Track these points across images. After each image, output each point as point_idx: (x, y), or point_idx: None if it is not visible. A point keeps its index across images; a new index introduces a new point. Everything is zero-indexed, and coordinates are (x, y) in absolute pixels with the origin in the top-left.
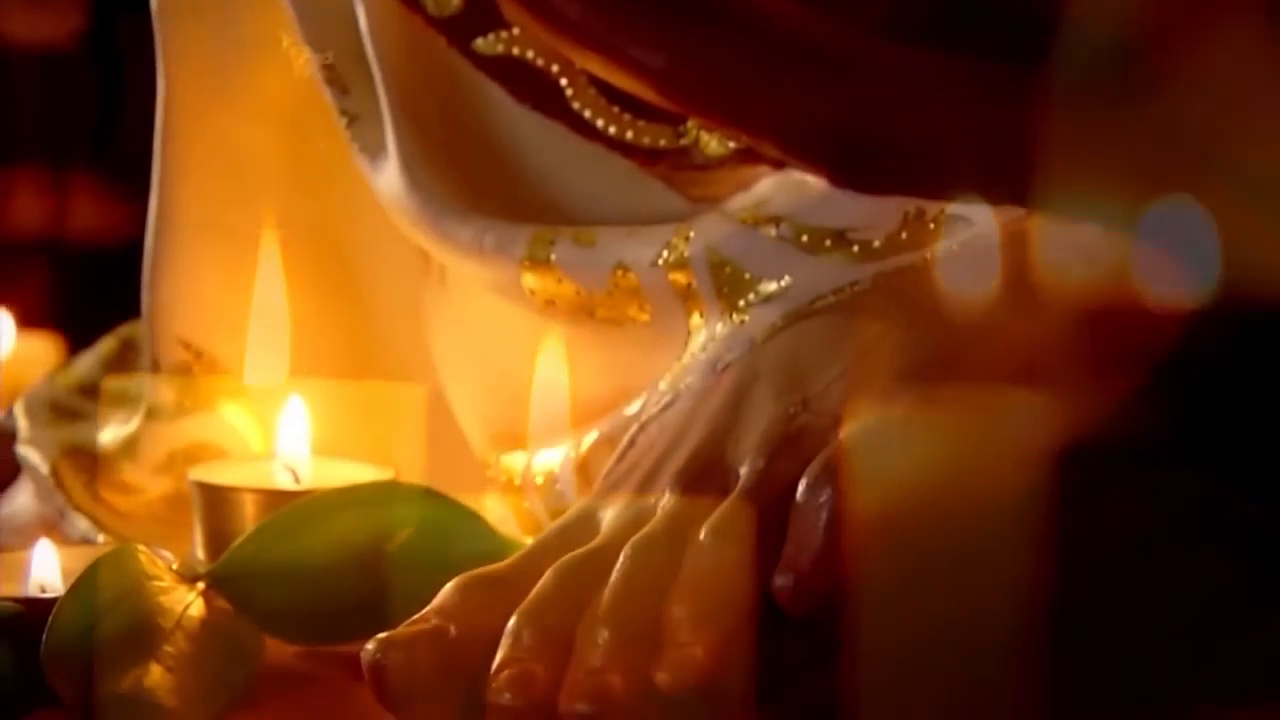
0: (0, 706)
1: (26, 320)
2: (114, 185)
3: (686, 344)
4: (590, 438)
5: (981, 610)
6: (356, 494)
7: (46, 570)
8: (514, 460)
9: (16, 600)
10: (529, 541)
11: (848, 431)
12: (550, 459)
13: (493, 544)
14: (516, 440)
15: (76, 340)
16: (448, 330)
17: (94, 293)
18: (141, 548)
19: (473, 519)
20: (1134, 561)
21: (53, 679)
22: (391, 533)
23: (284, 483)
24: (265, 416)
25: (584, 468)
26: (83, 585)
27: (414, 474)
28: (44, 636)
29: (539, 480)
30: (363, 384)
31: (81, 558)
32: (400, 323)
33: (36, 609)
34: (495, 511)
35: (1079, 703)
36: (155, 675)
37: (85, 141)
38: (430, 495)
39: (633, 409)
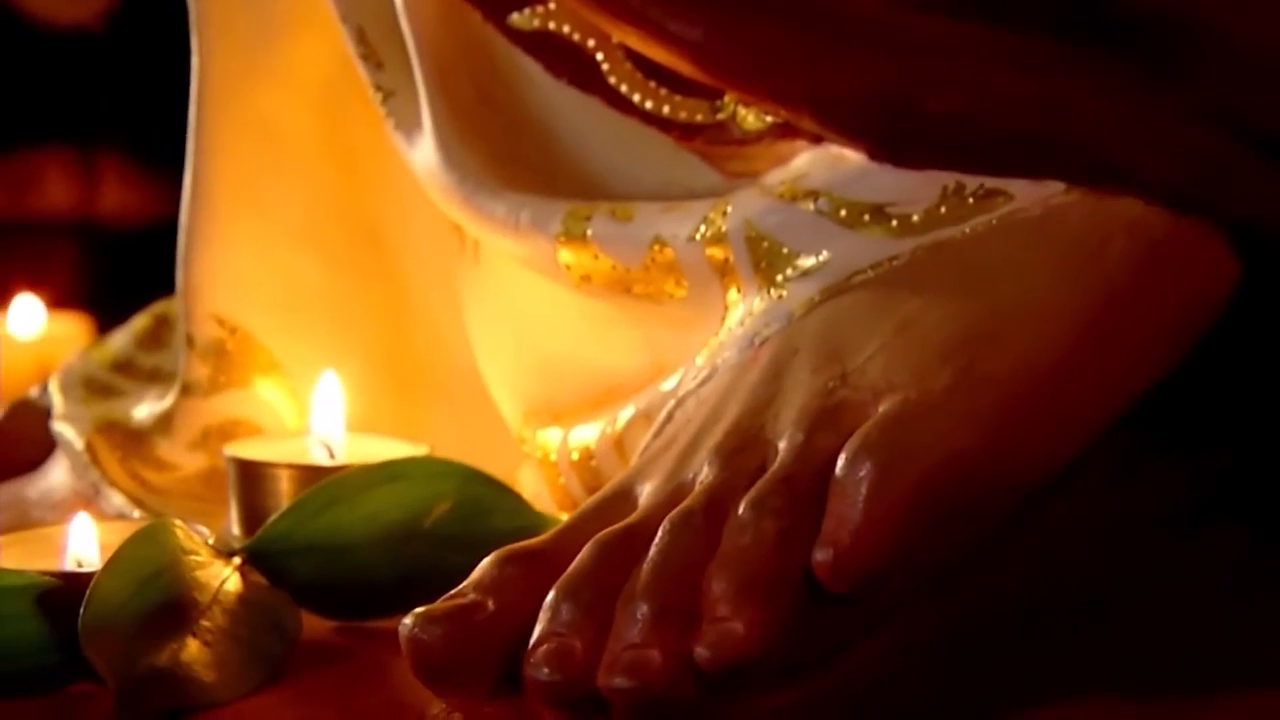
0: (38, 680)
1: (57, 301)
2: (143, 166)
3: (723, 319)
4: (626, 413)
5: (1019, 586)
6: (392, 469)
7: (84, 545)
8: (549, 436)
9: (54, 575)
10: (565, 518)
11: (887, 406)
12: (586, 435)
13: (528, 520)
14: (552, 416)
15: (106, 320)
16: (482, 306)
17: (123, 273)
18: (178, 522)
19: (508, 495)
20: (1168, 539)
21: (90, 653)
22: (427, 508)
23: (319, 458)
24: (300, 392)
25: (620, 443)
26: (120, 560)
27: (448, 450)
28: (81, 611)
29: (575, 456)
30: (397, 360)
31: (118, 533)
32: (434, 298)
33: (74, 583)
34: (530, 487)
35: (1108, 676)
36: (192, 649)
37: (114, 122)
38: (466, 471)
39: (669, 384)
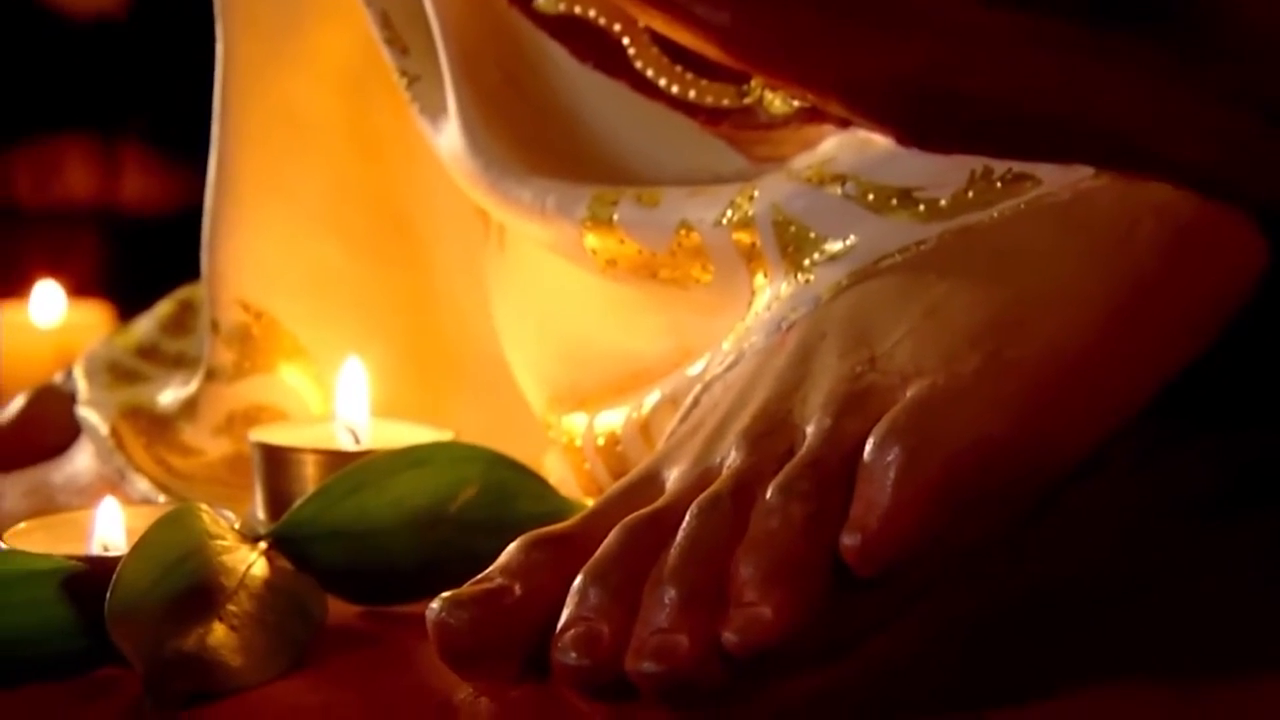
0: (64, 664)
1: (77, 289)
2: (164, 154)
3: (750, 304)
4: (652, 398)
5: (1044, 571)
6: (418, 454)
7: (110, 529)
8: (575, 421)
9: (80, 559)
10: (590, 503)
11: (915, 391)
12: (612, 420)
13: (554, 505)
14: (577, 401)
15: (126, 308)
16: (507, 292)
17: (144, 261)
18: (204, 507)
19: (534, 480)
20: (1192, 526)
21: (117, 637)
22: (453, 493)
23: (344, 444)
24: (324, 378)
25: (646, 429)
26: (146, 544)
27: (473, 436)
28: (108, 595)
29: (600, 441)
30: (421, 345)
31: (144, 517)
32: (459, 284)
33: (100, 567)
34: (555, 473)
35: (1133, 662)
36: (219, 634)
37: (136, 111)
38: (491, 456)
39: (695, 369)
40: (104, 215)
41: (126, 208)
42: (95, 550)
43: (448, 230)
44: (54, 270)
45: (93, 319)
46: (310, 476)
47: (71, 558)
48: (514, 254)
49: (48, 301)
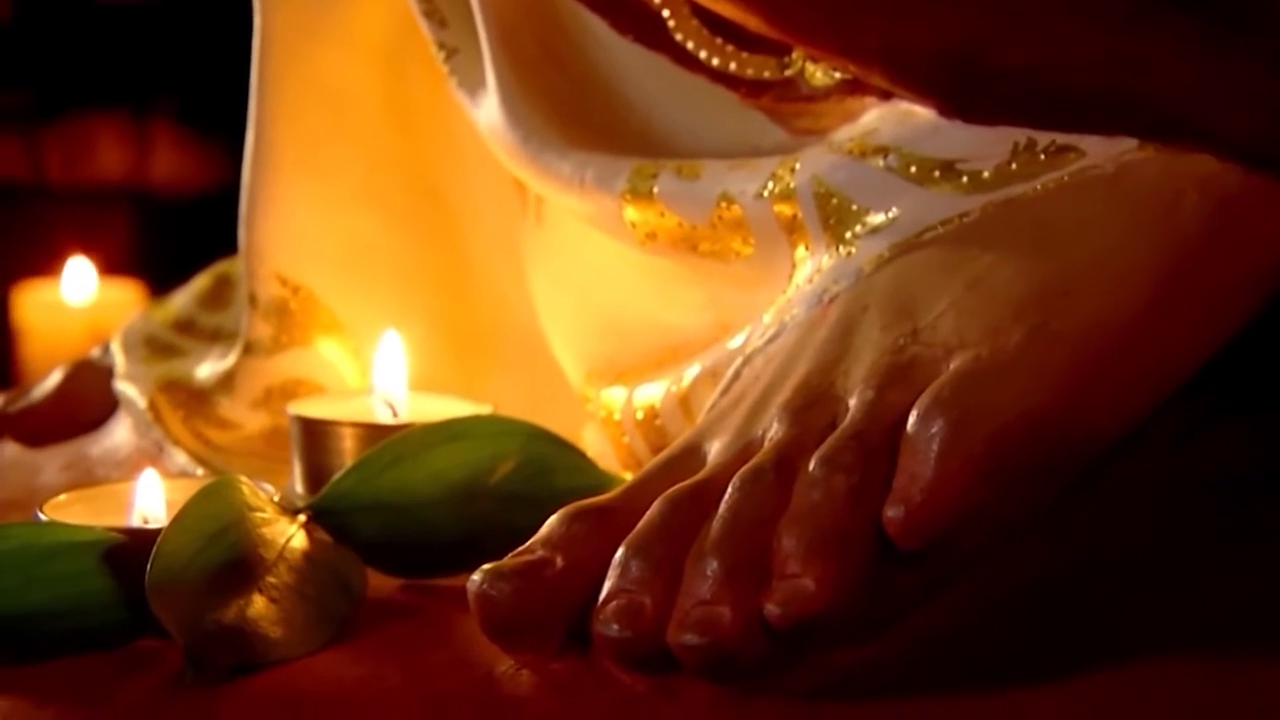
0: (105, 636)
1: (109, 267)
2: (195, 133)
3: (790, 277)
4: (692, 372)
5: (1085, 545)
6: (456, 427)
7: (150, 501)
8: (614, 395)
9: (121, 531)
10: (629, 477)
11: (959, 363)
12: (651, 394)
13: (593, 478)
14: (615, 375)
15: (157, 287)
16: (545, 266)
17: (175, 239)
18: (243, 479)
19: (573, 453)
20: (1231, 502)
21: (157, 609)
22: (492, 466)
23: (382, 417)
24: (362, 352)
25: (686, 402)
26: (186, 516)
27: (511, 410)
28: (148, 567)
29: (639, 415)
30: (459, 319)
31: (183, 489)
32: (497, 258)
33: (140, 539)
34: (594, 447)
35: (1173, 636)
36: (259, 606)
37: (167, 89)
38: (530, 429)
39: (736, 342)
40: (135, 194)
41: (157, 186)
42: (135, 522)
43: (485, 204)
44: (85, 248)
45: (124, 297)
46: (348, 450)
47: (111, 530)
48: (552, 228)
49: (79, 279)
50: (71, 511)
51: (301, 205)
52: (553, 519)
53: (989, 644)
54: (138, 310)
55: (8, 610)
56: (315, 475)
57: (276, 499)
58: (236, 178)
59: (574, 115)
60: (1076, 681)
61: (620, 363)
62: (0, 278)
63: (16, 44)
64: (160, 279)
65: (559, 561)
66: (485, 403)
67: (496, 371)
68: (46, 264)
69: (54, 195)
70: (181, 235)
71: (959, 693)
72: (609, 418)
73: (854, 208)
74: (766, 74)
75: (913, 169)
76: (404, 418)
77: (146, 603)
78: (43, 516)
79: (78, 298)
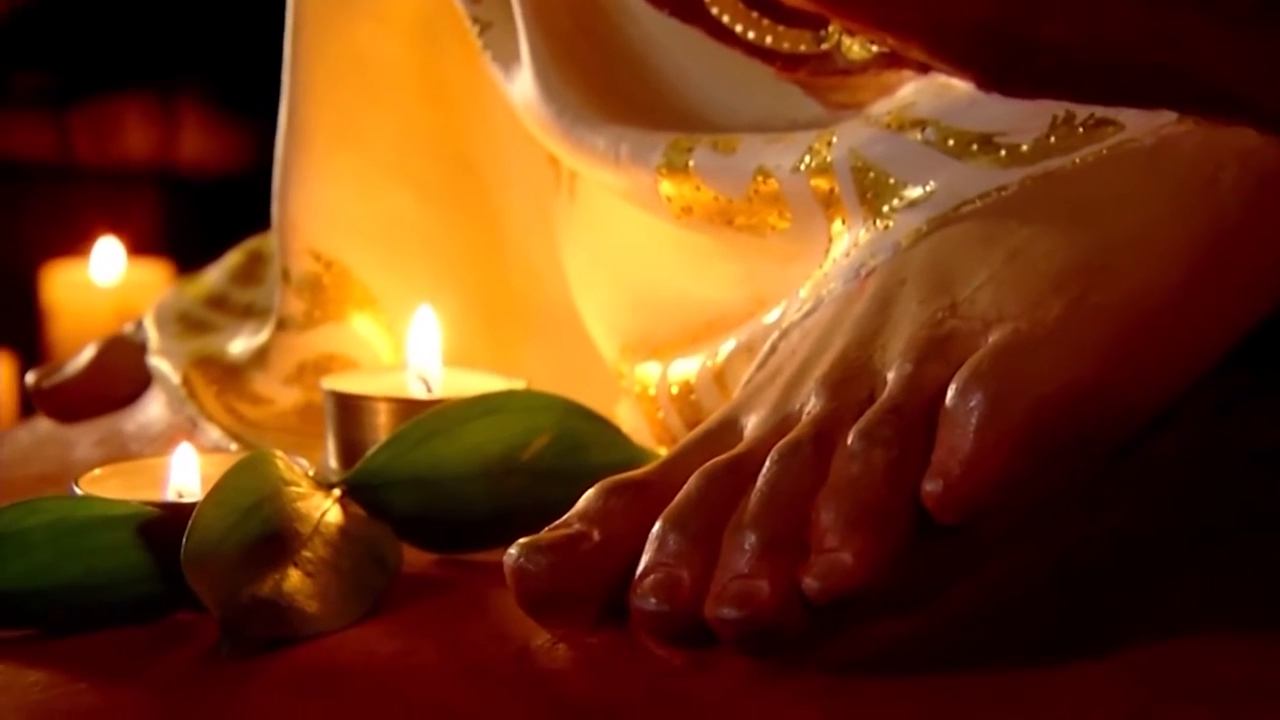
0: (141, 609)
1: (137, 247)
2: (222, 112)
3: (827, 251)
4: (728, 346)
5: (1122, 519)
6: (490, 402)
7: (185, 475)
8: (648, 371)
9: (156, 504)
10: (663, 452)
11: (998, 336)
12: (686, 369)
13: (628, 453)
14: (650, 350)
15: (185, 267)
16: (579, 240)
17: (202, 219)
18: (278, 453)
19: (607, 428)
20: (1267, 476)
21: (193, 582)
22: (526, 441)
23: (416, 392)
24: (395, 327)
25: (721, 377)
26: (221, 490)
27: (544, 385)
28: (184, 540)
29: (674, 390)
30: (492, 294)
31: (218, 464)
32: (530, 233)
33: (176, 513)
34: (628, 422)
35: (1210, 610)
36: (294, 580)
37: (195, 69)
38: (564, 404)
39: (771, 317)
40: (162, 174)
41: (185, 166)
42: (170, 497)
43: (519, 179)
44: (113, 229)
45: (151, 277)
46: (382, 425)
47: (147, 503)
48: (586, 203)
49: (108, 259)
50: (106, 486)
51: (335, 180)
52: (589, 493)
53: (1025, 619)
54: (167, 288)
55: (44, 584)
56: (349, 450)
57: (311, 474)
58: (263, 157)
59: (608, 89)
60: (1112, 657)
61: (655, 338)
62: (30, 258)
63: (44, 25)
64: (187, 259)
65: (596, 535)
66: (519, 377)
67: (530, 346)
68: (75, 244)
69: (82, 176)
70: (209, 215)
71: (994, 667)
72: (643, 393)
73: (891, 181)
74: (803, 47)
75: (951, 142)
76: (438, 393)
77: (182, 576)
78: (78, 490)
79: (106, 278)
